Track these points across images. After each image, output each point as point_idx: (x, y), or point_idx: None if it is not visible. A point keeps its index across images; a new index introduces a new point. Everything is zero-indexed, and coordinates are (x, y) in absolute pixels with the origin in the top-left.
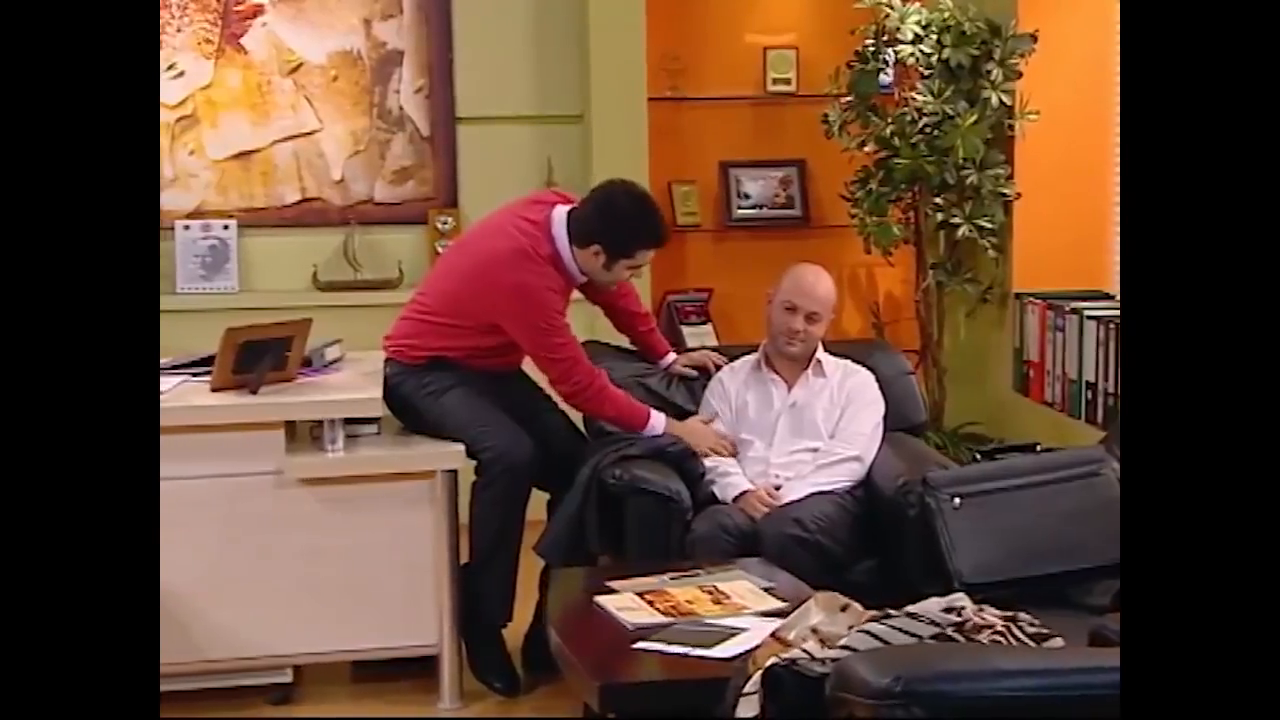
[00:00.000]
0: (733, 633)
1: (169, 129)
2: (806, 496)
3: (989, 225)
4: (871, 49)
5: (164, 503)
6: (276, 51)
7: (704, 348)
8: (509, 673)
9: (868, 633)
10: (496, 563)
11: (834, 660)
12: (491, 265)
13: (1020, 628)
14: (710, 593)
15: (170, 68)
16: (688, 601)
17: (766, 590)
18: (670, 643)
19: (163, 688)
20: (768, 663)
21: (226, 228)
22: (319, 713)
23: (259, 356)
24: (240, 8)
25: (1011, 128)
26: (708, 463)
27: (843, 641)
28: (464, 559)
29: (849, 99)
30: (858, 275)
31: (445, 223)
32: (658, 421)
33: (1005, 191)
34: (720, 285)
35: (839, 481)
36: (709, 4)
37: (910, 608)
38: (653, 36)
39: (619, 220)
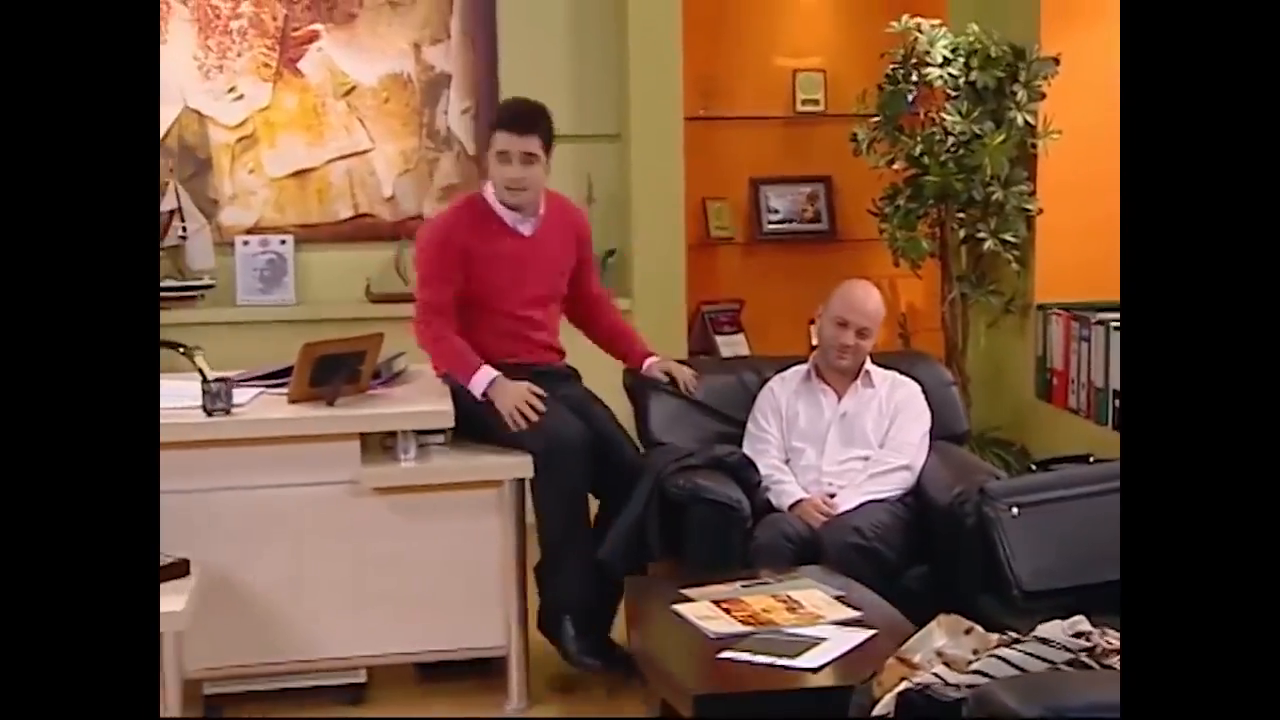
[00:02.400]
0: (814, 642)
1: (229, 149)
2: (861, 505)
3: (1012, 239)
4: (901, 71)
5: (245, 511)
6: (331, 75)
7: (735, 357)
8: (608, 651)
9: (1001, 659)
10: (571, 550)
11: (969, 686)
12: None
13: None
14: (784, 601)
15: (231, 90)
16: (764, 610)
17: (838, 599)
18: (755, 652)
19: (242, 688)
20: (899, 686)
21: (284, 243)
22: (391, 712)
23: (334, 370)
24: (297, 34)
25: (1034, 146)
26: (764, 471)
27: (975, 666)
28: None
29: (877, 119)
30: (882, 287)
31: None
32: (480, 378)
33: (1028, 207)
34: (751, 296)
35: (890, 490)
36: (741, 28)
37: (1038, 632)
38: (688, 59)
39: (497, 113)
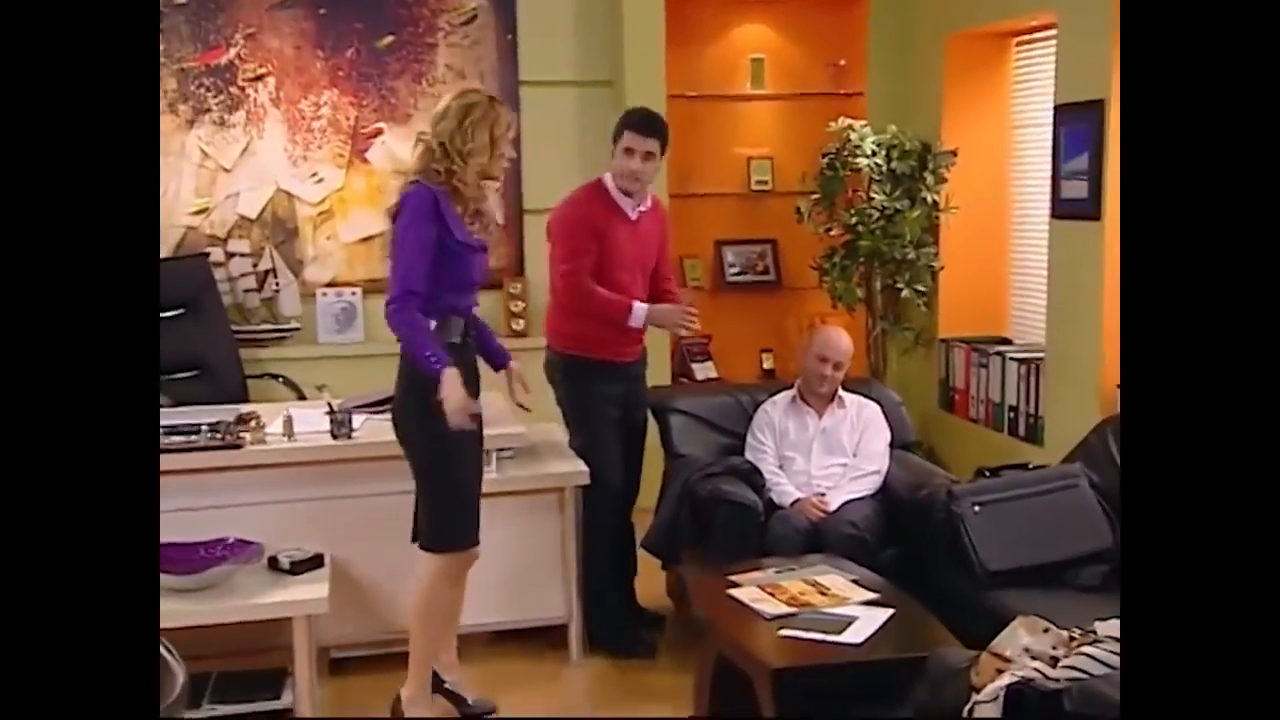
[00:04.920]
0: (849, 620)
1: (312, 220)
2: (846, 503)
3: (922, 289)
4: (837, 161)
5: (362, 514)
6: (391, 162)
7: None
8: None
9: (1089, 656)
10: (611, 583)
11: (1069, 680)
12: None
13: None
14: (814, 585)
15: (313, 175)
16: (800, 594)
17: (854, 582)
18: (807, 629)
19: (357, 653)
20: (1002, 680)
21: (354, 294)
22: (478, 669)
23: None
24: (365, 130)
25: (938, 218)
26: (765, 475)
27: (1068, 663)
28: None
29: (816, 196)
30: (815, 324)
31: (515, 288)
32: (638, 313)
33: (933, 264)
34: (717, 332)
35: (866, 490)
36: (709, 126)
37: (1109, 631)
38: (671, 150)
39: (622, 120)
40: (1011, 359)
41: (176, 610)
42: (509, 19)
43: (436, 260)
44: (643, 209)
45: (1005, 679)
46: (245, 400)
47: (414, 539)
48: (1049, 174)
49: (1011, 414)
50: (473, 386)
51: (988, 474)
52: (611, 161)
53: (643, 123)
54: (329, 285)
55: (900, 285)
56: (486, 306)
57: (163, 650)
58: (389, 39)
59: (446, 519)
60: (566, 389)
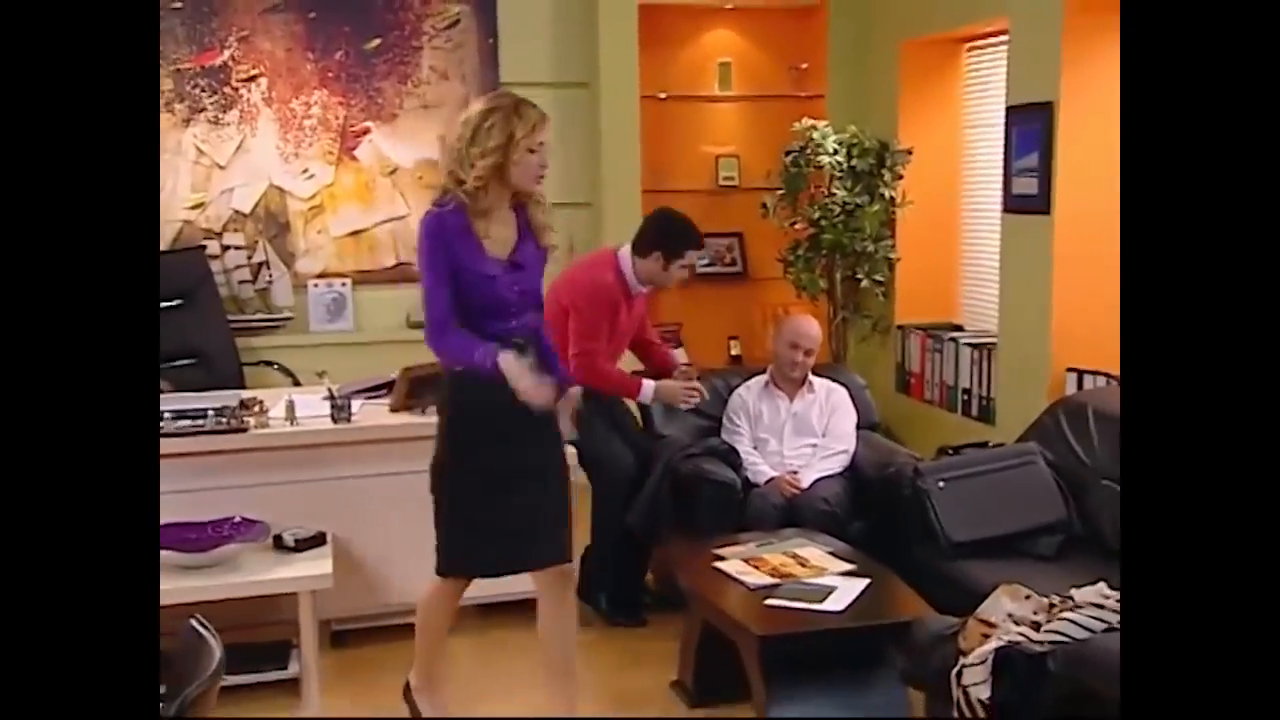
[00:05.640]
0: (829, 590)
1: (303, 215)
2: (817, 480)
3: (880, 279)
4: (800, 159)
5: (362, 494)
6: (378, 160)
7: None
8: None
9: (1071, 621)
10: (612, 555)
11: (1052, 644)
12: (583, 267)
13: None
14: (794, 558)
15: (304, 172)
16: (781, 565)
17: (831, 554)
18: (790, 599)
19: (357, 625)
20: (989, 644)
21: (344, 285)
22: (472, 640)
23: (425, 386)
24: (354, 129)
25: (895, 213)
26: (742, 455)
27: (1050, 627)
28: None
29: (781, 192)
30: (779, 313)
31: None
32: (647, 390)
33: (891, 256)
34: (687, 319)
35: (835, 468)
36: (679, 126)
37: (1088, 597)
38: (643, 148)
39: (672, 231)
40: (964, 344)
41: (187, 586)
42: (490, 23)
43: (458, 288)
44: (644, 290)
45: (993, 643)
46: (241, 386)
47: None
48: (1000, 171)
49: (965, 396)
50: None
51: (950, 452)
52: (646, 264)
53: (700, 239)
54: (320, 277)
55: (860, 276)
56: None
57: (199, 627)
58: (376, 42)
59: (442, 539)
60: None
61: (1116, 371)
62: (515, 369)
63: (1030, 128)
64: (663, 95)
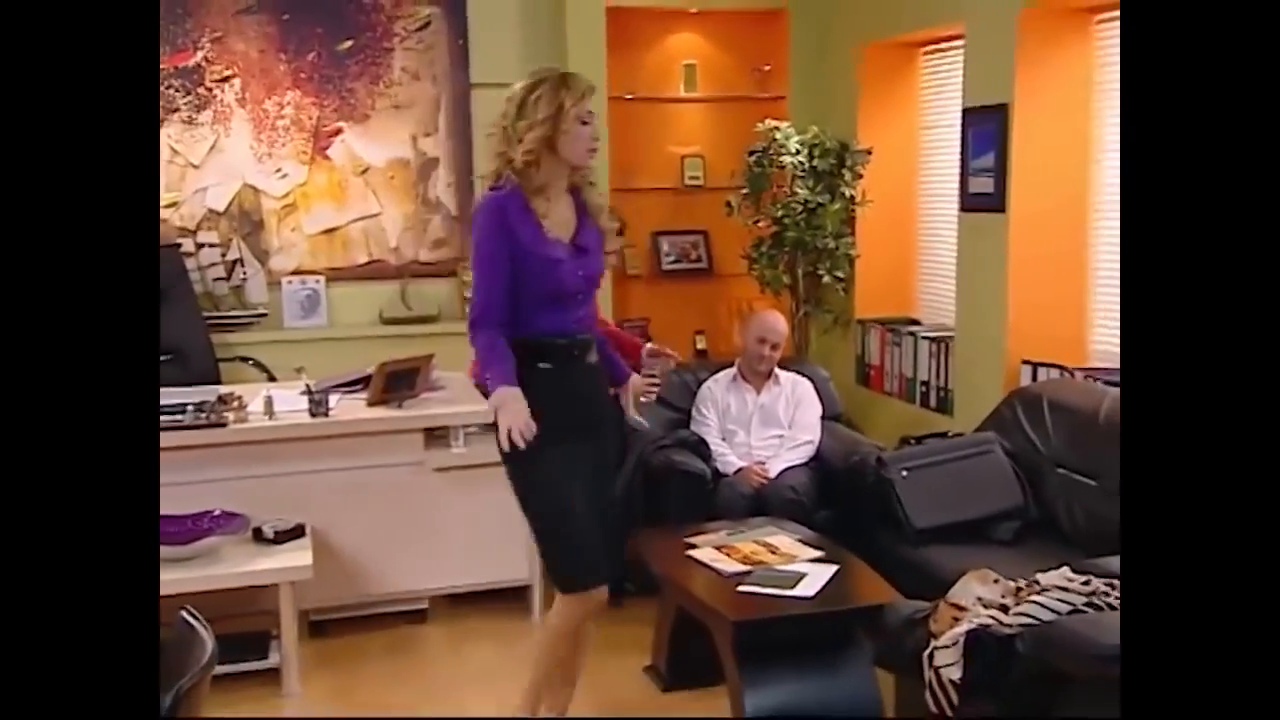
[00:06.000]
0: (800, 576)
1: (277, 213)
2: (784, 470)
3: (840, 275)
4: (764, 159)
5: (339, 486)
6: (351, 160)
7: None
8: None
9: (1038, 604)
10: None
11: (1021, 626)
12: None
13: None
14: (764, 545)
15: (278, 171)
16: (752, 553)
17: (800, 541)
18: (763, 585)
19: (334, 615)
20: (962, 627)
21: (318, 282)
22: (447, 629)
23: (400, 381)
24: (326, 129)
25: (855, 211)
26: (711, 446)
27: (1019, 610)
28: None
29: (745, 191)
30: (743, 309)
31: (468, 276)
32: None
33: (851, 253)
34: (654, 315)
35: (801, 458)
36: (646, 127)
37: (1053, 580)
38: (612, 147)
39: None
40: (923, 338)
41: (168, 579)
42: (460, 25)
43: (521, 276)
44: None
45: (963, 626)
46: (217, 382)
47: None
48: (957, 171)
49: (923, 388)
50: (593, 404)
51: (913, 442)
52: None
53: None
54: (294, 274)
55: (821, 272)
56: (440, 295)
57: (190, 619)
58: (348, 43)
59: (550, 554)
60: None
61: (1069, 363)
62: (500, 405)
63: (986, 129)
64: (629, 96)
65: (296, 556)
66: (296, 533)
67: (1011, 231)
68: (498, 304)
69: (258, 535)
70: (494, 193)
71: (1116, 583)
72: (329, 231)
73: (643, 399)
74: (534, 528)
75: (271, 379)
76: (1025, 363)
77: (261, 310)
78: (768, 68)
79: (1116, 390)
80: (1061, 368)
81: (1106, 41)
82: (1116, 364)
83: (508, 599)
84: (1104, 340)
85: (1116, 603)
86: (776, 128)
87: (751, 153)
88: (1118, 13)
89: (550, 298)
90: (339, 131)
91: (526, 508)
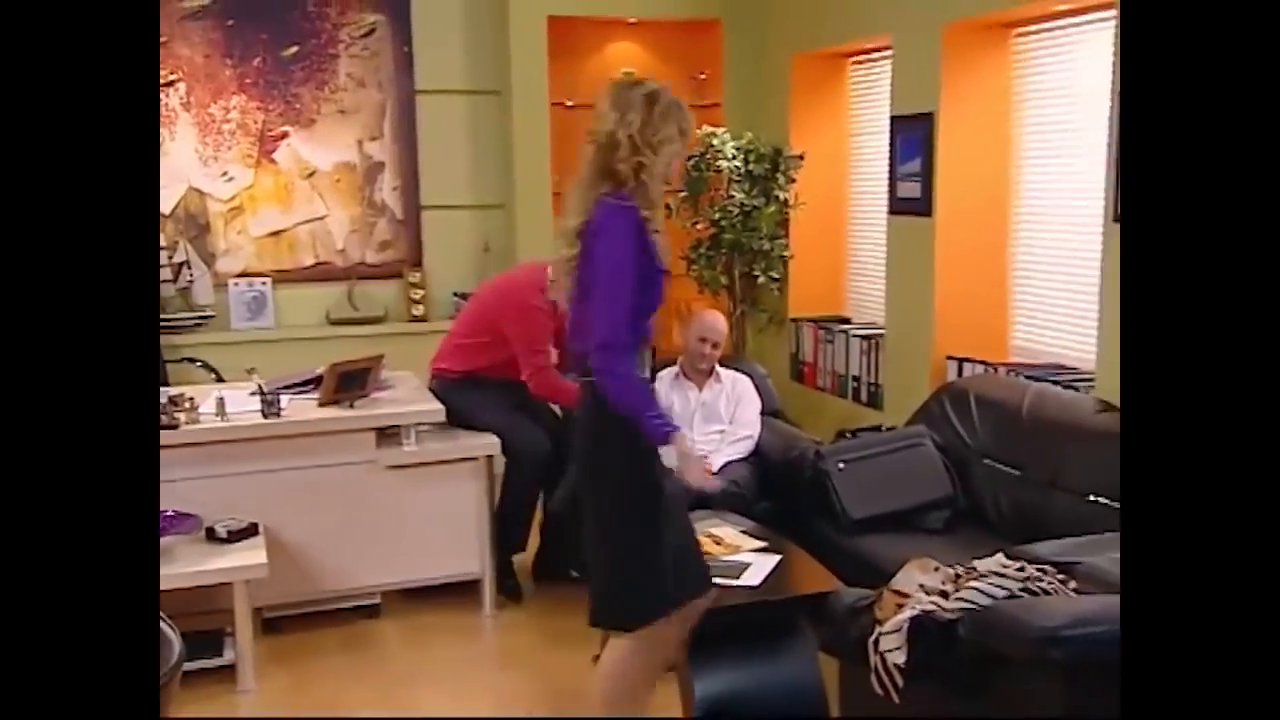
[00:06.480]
0: (745, 566)
1: (223, 216)
2: (726, 464)
3: (775, 275)
4: (702, 163)
5: (292, 486)
6: (297, 163)
7: None
8: (518, 588)
9: (977, 589)
10: (523, 516)
11: (961, 611)
12: (514, 290)
13: (1058, 580)
14: (710, 537)
15: (224, 174)
16: None
17: (743, 533)
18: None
19: (288, 612)
20: (906, 613)
21: (264, 284)
22: (399, 624)
23: (351, 382)
24: (272, 133)
25: (789, 213)
26: None
27: (959, 596)
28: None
29: (684, 194)
30: (682, 309)
31: (415, 277)
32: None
33: (785, 254)
34: None
35: (742, 453)
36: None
37: (990, 568)
38: (554, 152)
39: None
40: (854, 336)
41: None
42: (405, 32)
43: (643, 293)
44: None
45: (907, 612)
46: (165, 383)
47: (591, 621)
48: (886, 176)
49: (855, 383)
50: None
51: (848, 436)
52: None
53: None
54: (240, 276)
55: (757, 272)
56: (387, 296)
57: (161, 622)
58: (294, 49)
59: (650, 582)
60: (458, 398)
61: (992, 359)
62: (686, 451)
63: (913, 136)
64: (570, 103)
65: (251, 555)
66: (250, 532)
67: (938, 234)
68: (628, 325)
69: (211, 535)
70: (624, 203)
71: (1048, 568)
72: (275, 234)
73: None
74: (645, 557)
75: (220, 380)
76: (950, 359)
77: (209, 312)
78: (704, 76)
79: (1037, 384)
80: (985, 363)
81: (1024, 53)
82: (1035, 360)
83: (460, 593)
84: (1023, 337)
85: (1049, 587)
86: (713, 133)
87: (689, 158)
88: (1034, 27)
89: (650, 315)
90: (285, 135)
91: (629, 530)
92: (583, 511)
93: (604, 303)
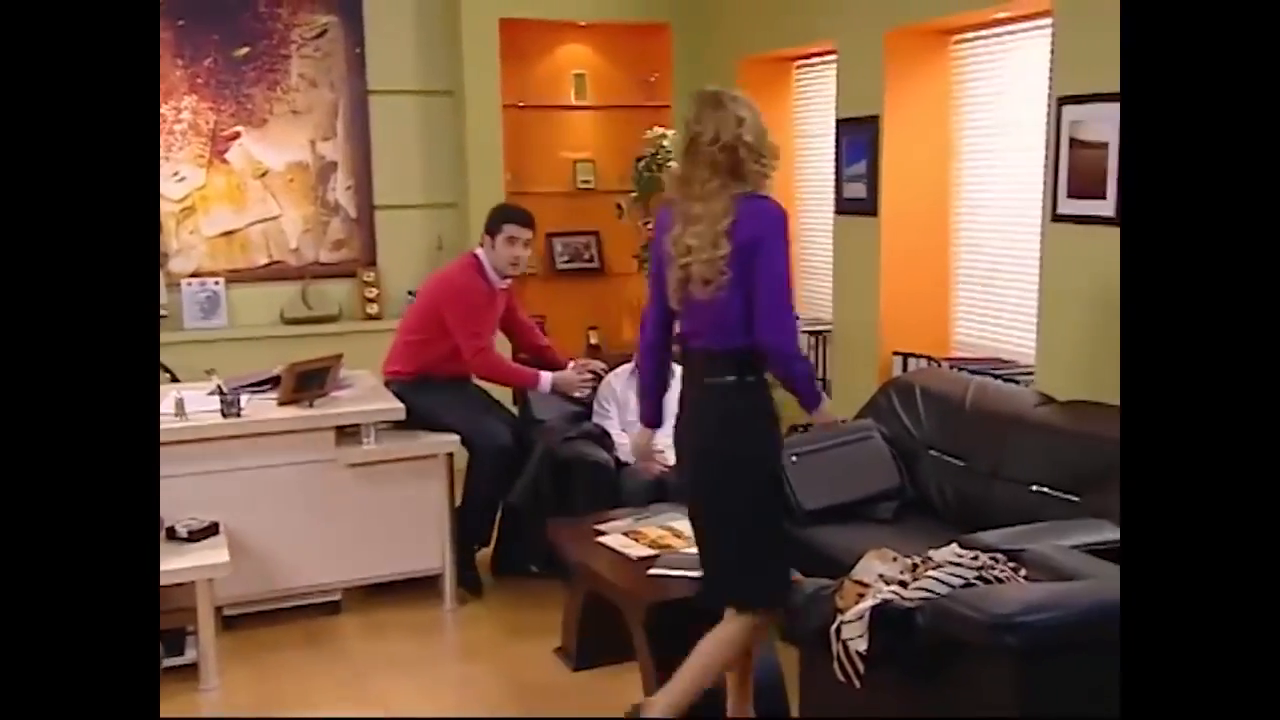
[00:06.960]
0: None
1: (175, 216)
2: None
3: None
4: (652, 163)
5: (252, 484)
6: (249, 163)
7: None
8: (478, 581)
9: (935, 579)
10: (485, 512)
11: (920, 600)
12: (449, 277)
13: (1009, 567)
14: (669, 530)
15: (176, 174)
16: (658, 538)
17: None
18: (670, 568)
19: (248, 610)
20: (868, 602)
21: (217, 283)
22: (360, 620)
23: (310, 381)
24: (224, 133)
25: None
26: (614, 437)
27: (918, 585)
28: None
29: (634, 194)
30: (634, 306)
31: (369, 276)
32: (545, 381)
33: None
34: (550, 312)
35: None
36: (539, 132)
37: (946, 556)
38: (506, 153)
39: (493, 214)
40: (802, 332)
41: None
42: (357, 34)
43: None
44: (505, 285)
45: (868, 601)
46: None
47: (708, 601)
48: (832, 177)
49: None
50: None
51: (800, 430)
52: (490, 252)
53: (523, 216)
54: (193, 275)
55: None
56: (341, 294)
57: None
58: (245, 50)
59: (776, 567)
60: (414, 397)
61: (936, 354)
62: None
63: (858, 138)
64: (522, 105)
65: (212, 554)
66: (210, 531)
67: (883, 233)
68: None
69: (171, 534)
70: (774, 203)
71: (1000, 556)
72: (228, 234)
73: (578, 394)
74: (774, 542)
75: (174, 380)
76: (896, 354)
77: (162, 312)
78: (653, 78)
79: (979, 378)
80: (929, 358)
81: (963, 59)
82: (976, 354)
83: (420, 588)
84: (965, 332)
85: (1003, 575)
86: (663, 135)
87: (639, 159)
88: (972, 34)
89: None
90: (237, 136)
91: (761, 516)
92: (699, 503)
93: (778, 297)
